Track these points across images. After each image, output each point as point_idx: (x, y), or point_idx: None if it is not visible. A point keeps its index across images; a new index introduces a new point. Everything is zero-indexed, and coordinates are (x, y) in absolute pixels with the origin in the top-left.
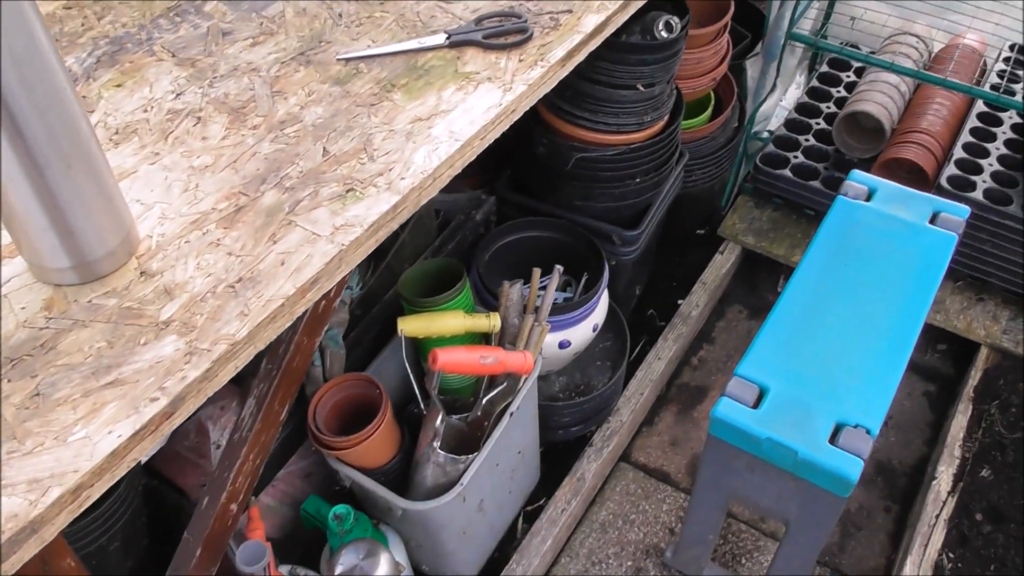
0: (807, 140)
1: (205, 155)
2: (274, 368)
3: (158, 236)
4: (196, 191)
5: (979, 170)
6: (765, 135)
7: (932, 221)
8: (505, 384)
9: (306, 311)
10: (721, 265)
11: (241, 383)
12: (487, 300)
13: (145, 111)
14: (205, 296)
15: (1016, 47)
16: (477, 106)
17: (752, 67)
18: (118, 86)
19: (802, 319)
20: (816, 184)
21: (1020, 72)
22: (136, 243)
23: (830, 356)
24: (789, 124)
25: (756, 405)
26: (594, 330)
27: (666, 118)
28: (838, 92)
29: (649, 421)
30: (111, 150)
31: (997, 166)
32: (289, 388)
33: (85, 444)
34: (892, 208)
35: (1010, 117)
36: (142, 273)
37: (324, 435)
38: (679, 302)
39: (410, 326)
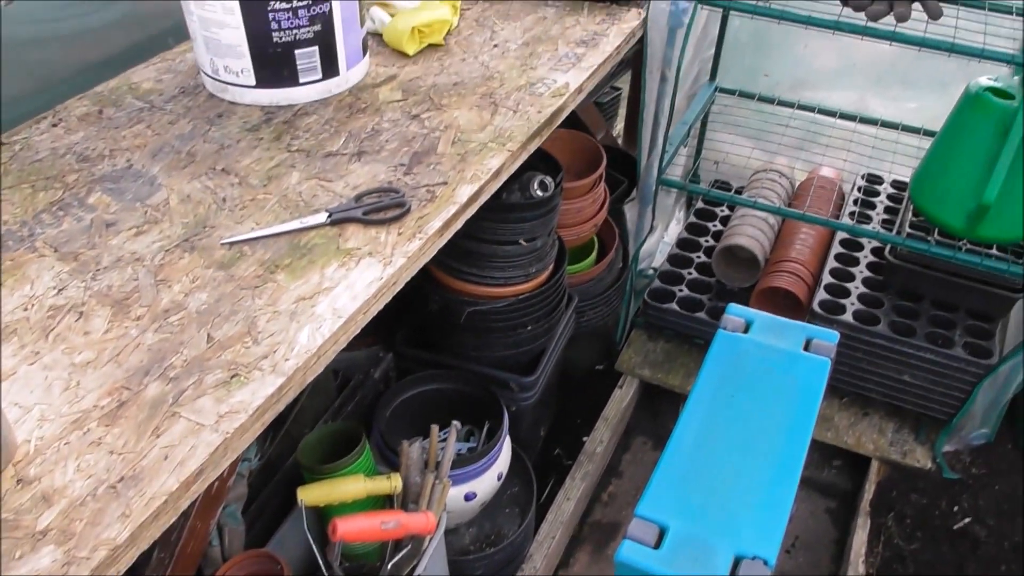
0: (690, 273)
1: (87, 350)
2: (167, 556)
3: (36, 439)
4: (77, 389)
5: (847, 293)
6: (650, 272)
7: (806, 348)
8: (410, 546)
9: (197, 497)
10: (621, 399)
11: (135, 571)
12: (390, 459)
13: (25, 309)
14: (85, 499)
15: (867, 176)
16: (359, 281)
17: (630, 210)
18: None
19: (695, 453)
20: (702, 315)
21: (873, 199)
22: (13, 450)
23: (724, 488)
24: (672, 259)
25: (658, 545)
26: (499, 479)
27: (551, 267)
28: (714, 226)
29: (564, 563)
30: None
31: (863, 288)
32: None
33: None
34: (768, 338)
35: (870, 242)
36: (19, 481)
37: None
38: (584, 439)
39: (310, 495)
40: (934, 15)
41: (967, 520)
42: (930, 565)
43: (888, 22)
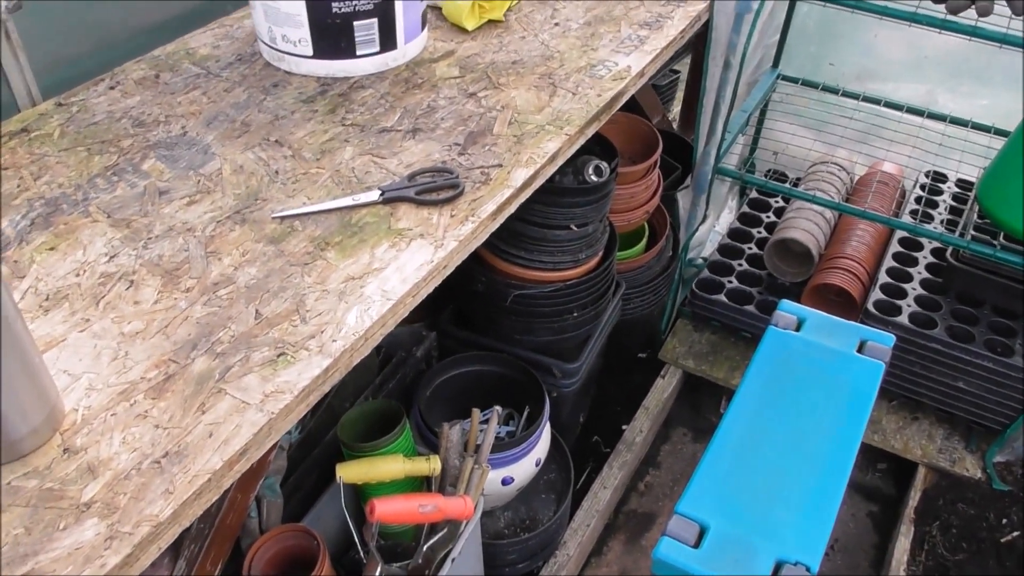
0: (740, 265)
1: (136, 320)
2: (206, 527)
3: (84, 409)
4: (126, 359)
5: (903, 294)
6: (700, 261)
7: (860, 350)
8: (446, 530)
9: None
10: (663, 389)
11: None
12: (429, 438)
13: (77, 275)
14: (129, 473)
15: (931, 173)
16: (409, 263)
17: (683, 198)
18: (51, 249)
19: (740, 452)
20: (751, 308)
21: (936, 198)
22: (61, 418)
23: (768, 489)
24: (723, 250)
25: (697, 544)
26: (537, 464)
27: (601, 253)
28: (768, 218)
29: (597, 551)
30: (40, 317)
31: (920, 290)
32: (222, 547)
33: None
34: (821, 337)
35: (930, 242)
36: (65, 450)
37: None
38: (623, 427)
39: (349, 473)
40: (1018, 11)
41: (1015, 534)
42: None
43: (969, 16)
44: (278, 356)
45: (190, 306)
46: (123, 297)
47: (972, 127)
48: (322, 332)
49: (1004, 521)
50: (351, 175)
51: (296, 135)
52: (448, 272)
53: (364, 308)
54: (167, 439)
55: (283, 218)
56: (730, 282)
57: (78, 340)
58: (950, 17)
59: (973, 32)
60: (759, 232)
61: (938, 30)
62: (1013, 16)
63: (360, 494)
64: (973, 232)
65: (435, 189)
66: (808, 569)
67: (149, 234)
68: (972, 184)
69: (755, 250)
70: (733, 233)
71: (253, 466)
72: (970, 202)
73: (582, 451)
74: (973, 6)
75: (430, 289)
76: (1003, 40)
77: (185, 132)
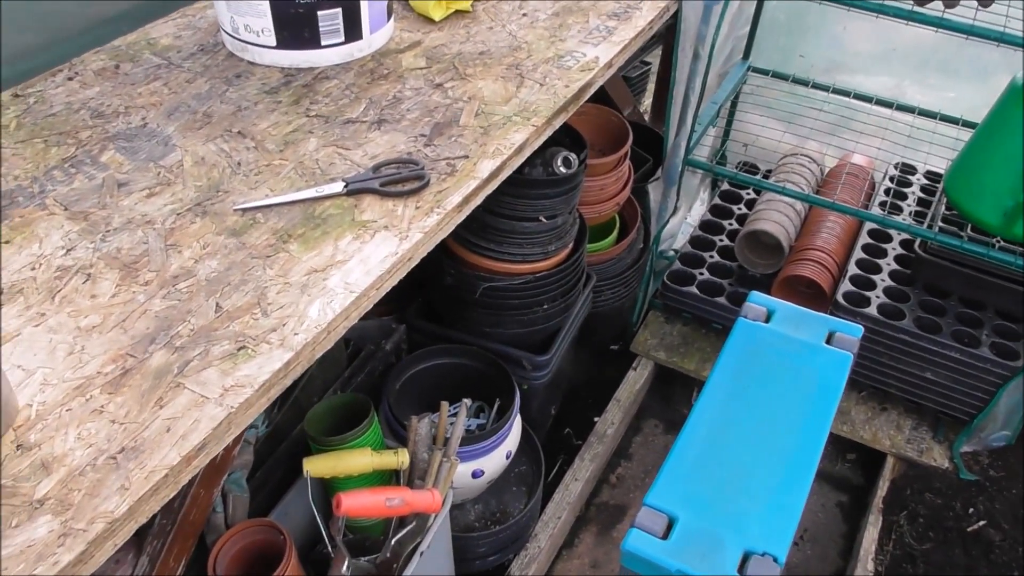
0: (712, 257)
1: (93, 314)
2: (169, 523)
3: (38, 405)
4: (82, 354)
5: (873, 286)
6: (671, 254)
7: (828, 341)
8: (414, 523)
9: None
10: (635, 381)
11: (140, 534)
12: (398, 432)
13: (33, 269)
14: (84, 469)
15: (900, 165)
16: (373, 256)
17: (655, 190)
18: (6, 243)
19: (709, 443)
20: (722, 300)
21: (905, 189)
22: (14, 414)
23: (737, 481)
24: (694, 241)
25: (666, 535)
26: (507, 457)
27: (571, 246)
28: (739, 209)
29: (569, 544)
30: None
31: (889, 282)
32: (185, 543)
33: None
34: (790, 329)
35: (899, 234)
36: (19, 447)
37: None
38: (595, 419)
39: (316, 467)
40: (985, 2)
41: (982, 523)
42: (941, 567)
43: (936, 7)
44: (238, 350)
45: (149, 300)
46: (80, 291)
47: (940, 119)
48: (284, 325)
49: (971, 511)
50: (315, 167)
51: (259, 126)
52: (413, 264)
53: (327, 301)
54: (123, 434)
55: (245, 210)
56: (701, 274)
57: (33, 335)
58: (917, 8)
59: (940, 23)
60: (730, 224)
61: (905, 21)
62: (980, 8)
63: (328, 488)
64: (941, 224)
65: (400, 180)
66: (775, 559)
67: (107, 227)
68: (941, 176)
69: (727, 242)
70: (705, 225)
71: (215, 461)
72: (938, 194)
73: (554, 443)
74: None
75: (394, 281)
76: (970, 32)
77: (145, 123)
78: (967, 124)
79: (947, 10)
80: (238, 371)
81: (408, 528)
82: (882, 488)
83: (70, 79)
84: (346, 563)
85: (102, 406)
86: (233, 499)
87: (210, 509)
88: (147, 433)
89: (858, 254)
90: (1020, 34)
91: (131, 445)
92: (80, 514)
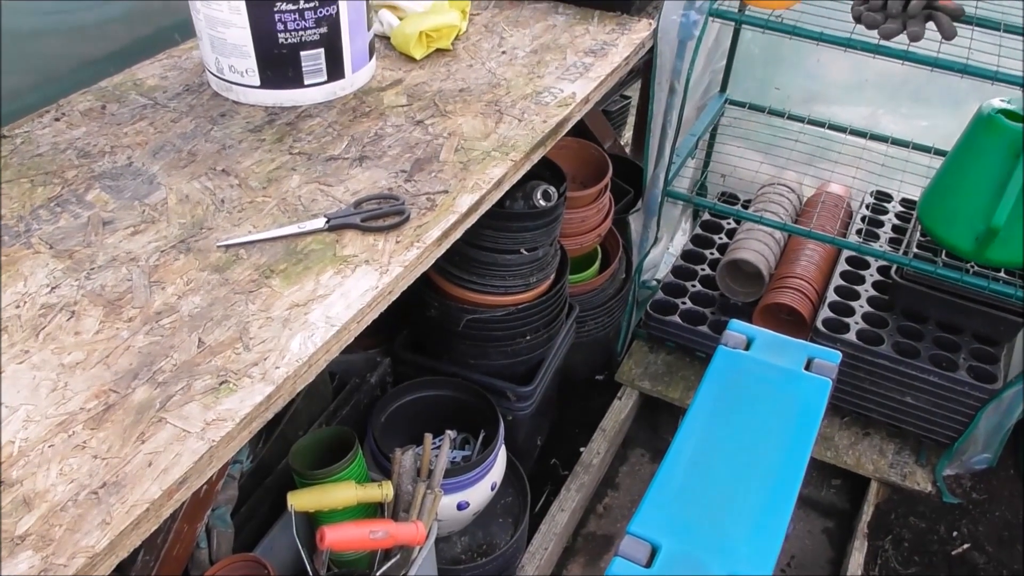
0: (694, 286)
1: (77, 351)
2: (152, 559)
3: (21, 441)
4: (65, 390)
5: (851, 312)
6: (654, 283)
7: (808, 367)
8: (399, 556)
9: (183, 502)
10: (620, 410)
11: (123, 570)
12: (384, 464)
13: (17, 307)
14: (66, 505)
15: (875, 193)
16: (354, 290)
17: (635, 221)
18: None
19: (691, 471)
20: (704, 329)
21: (881, 217)
22: None
23: (719, 507)
24: (676, 271)
25: (649, 564)
26: (492, 488)
27: (552, 277)
28: (720, 239)
29: (556, 575)
30: None
31: (867, 308)
32: None
33: None
34: (769, 356)
35: (876, 261)
36: (0, 483)
37: None
38: (581, 449)
39: (300, 501)
40: (948, 35)
41: (966, 546)
42: None
43: (901, 40)
44: (220, 384)
45: (132, 336)
46: (64, 328)
47: (913, 148)
48: (265, 359)
49: (955, 534)
50: (297, 203)
51: (243, 164)
52: (394, 297)
53: (308, 335)
54: (105, 469)
55: (228, 247)
56: (684, 303)
57: (16, 372)
58: (883, 42)
59: (905, 56)
60: (712, 253)
61: (872, 55)
62: (943, 40)
63: (313, 522)
64: (916, 250)
65: (381, 216)
66: None
67: (92, 264)
68: (915, 203)
69: (708, 271)
70: (686, 255)
71: (199, 496)
72: (913, 221)
73: (540, 474)
74: (905, 31)
75: (375, 315)
76: (935, 64)
77: (131, 162)
78: (939, 152)
79: (912, 43)
80: (220, 405)
81: (393, 561)
82: (867, 513)
83: (57, 120)
84: None
85: (84, 441)
86: (217, 534)
87: (194, 545)
88: (129, 468)
89: (836, 281)
90: (983, 65)
91: (113, 480)
92: (61, 549)
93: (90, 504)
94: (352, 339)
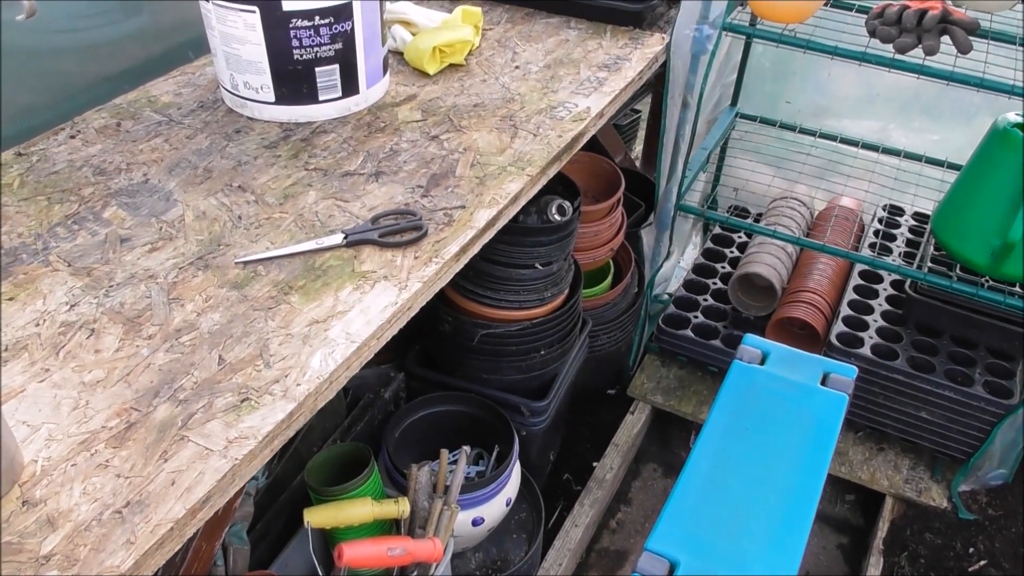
0: (705, 300)
1: (97, 369)
2: None
3: (44, 460)
4: (86, 409)
5: (865, 326)
6: (665, 297)
7: (823, 382)
8: (416, 573)
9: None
10: (632, 425)
11: None
12: (398, 480)
13: (37, 325)
14: (90, 524)
15: (888, 207)
16: (374, 306)
17: (647, 235)
18: (10, 299)
19: (708, 486)
20: (717, 343)
21: (894, 231)
22: (20, 470)
23: (737, 523)
24: (688, 285)
25: None
26: (507, 504)
27: (566, 292)
28: (731, 253)
29: None
30: None
31: (881, 322)
32: None
33: None
34: (785, 371)
35: (889, 275)
36: (24, 503)
37: None
38: (594, 464)
39: (316, 518)
40: (964, 49)
41: (982, 563)
42: None
43: (916, 55)
44: (242, 402)
45: (152, 353)
46: (84, 346)
47: (926, 161)
48: (286, 376)
49: (971, 550)
50: (314, 219)
51: (259, 180)
52: (413, 313)
53: (328, 351)
54: (128, 488)
55: (246, 263)
56: (696, 317)
57: (38, 390)
58: (898, 56)
59: (920, 70)
60: (723, 267)
61: (887, 69)
62: (959, 54)
63: (329, 539)
64: (930, 264)
65: (399, 231)
66: None
67: (110, 282)
68: (928, 217)
69: (720, 285)
70: (697, 269)
71: (218, 514)
72: (926, 234)
73: (553, 489)
74: (920, 45)
75: (395, 331)
76: (950, 78)
77: (147, 179)
78: (952, 166)
79: (927, 57)
80: (242, 423)
81: None
82: (882, 529)
83: (72, 137)
84: None
85: (107, 460)
86: (234, 552)
87: (211, 563)
88: (152, 487)
89: (850, 295)
90: (999, 79)
91: (136, 499)
92: (86, 569)
93: (114, 523)
94: (372, 355)
